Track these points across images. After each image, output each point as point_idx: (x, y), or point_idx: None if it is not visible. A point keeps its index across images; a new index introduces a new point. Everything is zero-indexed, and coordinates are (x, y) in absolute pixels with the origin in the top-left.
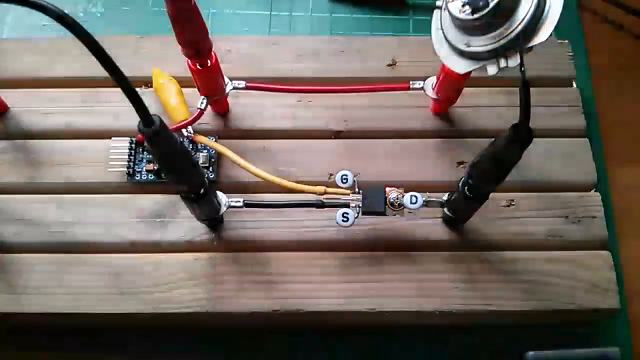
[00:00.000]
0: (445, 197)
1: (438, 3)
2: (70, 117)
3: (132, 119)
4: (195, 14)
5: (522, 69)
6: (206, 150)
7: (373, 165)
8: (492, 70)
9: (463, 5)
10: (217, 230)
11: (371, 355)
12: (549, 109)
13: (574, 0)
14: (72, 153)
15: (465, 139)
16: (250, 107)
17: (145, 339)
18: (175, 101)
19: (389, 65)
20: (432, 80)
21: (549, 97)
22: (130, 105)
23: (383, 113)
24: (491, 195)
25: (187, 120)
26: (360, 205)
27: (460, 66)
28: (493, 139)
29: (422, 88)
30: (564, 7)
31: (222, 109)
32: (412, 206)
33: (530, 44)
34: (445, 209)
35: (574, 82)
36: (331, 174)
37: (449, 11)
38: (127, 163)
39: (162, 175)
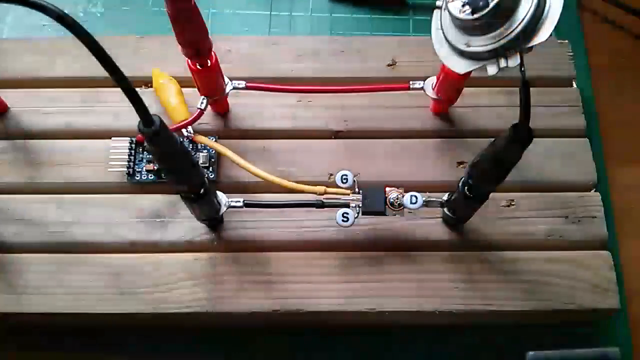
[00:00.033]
0: (445, 197)
1: (438, 3)
2: (70, 117)
3: (132, 119)
4: (195, 14)
5: (522, 69)
6: (206, 150)
7: (373, 165)
8: (492, 70)
9: (463, 5)
10: (217, 230)
11: (371, 355)
12: (549, 109)
13: (574, 0)
14: (72, 153)
15: (465, 139)
16: (250, 107)
17: (145, 339)
18: (175, 101)
19: (389, 65)
20: (432, 80)
21: (549, 97)
22: (130, 105)
23: (383, 113)
24: (491, 195)
25: (187, 120)
26: (360, 205)
27: (460, 66)
28: (493, 139)
29: (422, 88)
30: (564, 7)
31: (222, 109)
32: (412, 206)
33: (530, 44)
34: (445, 209)
35: (574, 82)
36: (331, 174)
37: (449, 11)
38: (127, 163)
39: (162, 175)
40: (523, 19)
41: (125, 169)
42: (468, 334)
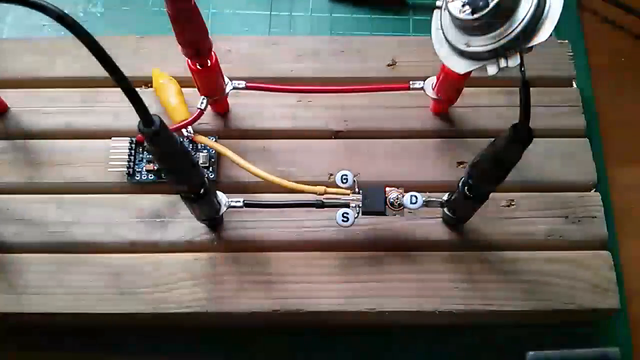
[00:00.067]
0: (445, 197)
1: (438, 3)
2: (70, 117)
3: (132, 119)
4: (195, 14)
5: (522, 69)
6: (206, 150)
7: (373, 165)
8: (492, 70)
9: (463, 5)
10: (217, 230)
11: (371, 355)
12: (549, 109)
13: (574, 0)
14: (72, 153)
15: (465, 139)
16: (250, 107)
17: (145, 339)
18: (175, 101)
19: (389, 65)
20: (432, 80)
21: (549, 97)
22: (130, 105)
23: (383, 113)
24: (491, 195)
25: (187, 120)
26: (360, 205)
27: (460, 66)
28: (493, 139)
29: (422, 88)
30: (564, 7)
31: (222, 109)
32: (412, 206)
33: (530, 44)
34: (445, 209)
35: (574, 82)
36: (331, 174)
37: (449, 11)
38: (127, 163)
39: (162, 175)
40: (523, 19)
41: (125, 169)
42: (468, 334)
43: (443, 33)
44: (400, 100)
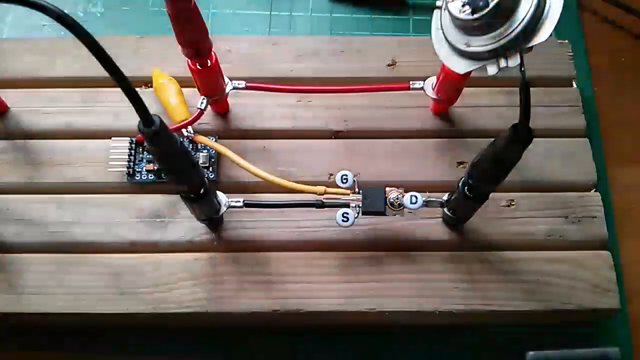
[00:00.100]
0: (445, 197)
1: (438, 3)
2: (70, 117)
3: (132, 119)
4: (195, 14)
5: (522, 69)
6: (206, 150)
7: (373, 165)
8: (492, 70)
9: (463, 5)
10: (217, 230)
11: (371, 355)
12: (549, 109)
13: (574, 0)
14: (72, 153)
15: (465, 139)
16: (250, 107)
17: (145, 339)
18: (175, 101)
19: (389, 65)
20: (432, 80)
21: (549, 97)
22: (130, 105)
23: (383, 113)
24: (491, 195)
25: (187, 120)
26: (360, 205)
27: (460, 66)
28: (493, 139)
29: (422, 88)
30: (564, 7)
31: (222, 109)
32: (412, 206)
33: (530, 44)
34: (445, 209)
35: (574, 82)
36: (331, 174)
37: (449, 11)
38: (127, 163)
39: (162, 175)
40: (523, 19)
41: (125, 169)
42: (468, 334)
43: (443, 33)
44: (400, 100)
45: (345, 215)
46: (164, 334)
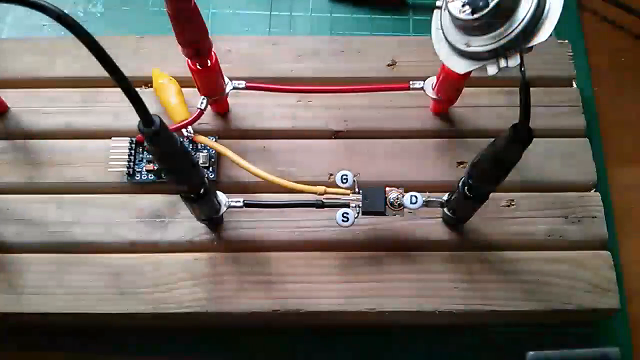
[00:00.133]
0: (445, 197)
1: (438, 3)
2: (70, 117)
3: (132, 119)
4: (195, 14)
5: (522, 69)
6: (206, 150)
7: (373, 165)
8: (492, 70)
9: (463, 5)
10: (217, 230)
11: (371, 355)
12: (549, 109)
13: (574, 0)
14: (72, 153)
15: (465, 139)
16: (250, 107)
17: (145, 339)
18: (175, 101)
19: (389, 65)
20: (432, 80)
21: (549, 97)
22: (130, 105)
23: (383, 113)
24: (491, 195)
25: (187, 120)
26: (360, 205)
27: (460, 66)
28: (493, 139)
29: (422, 88)
30: (564, 7)
31: (222, 109)
32: (412, 206)
33: (530, 44)
34: (445, 209)
35: (574, 82)
36: (331, 174)
37: (449, 11)
38: (127, 163)
39: (162, 175)
40: (523, 19)
41: (125, 169)
42: (468, 334)
43: (443, 33)
44: (400, 100)
45: (345, 215)
46: (164, 334)
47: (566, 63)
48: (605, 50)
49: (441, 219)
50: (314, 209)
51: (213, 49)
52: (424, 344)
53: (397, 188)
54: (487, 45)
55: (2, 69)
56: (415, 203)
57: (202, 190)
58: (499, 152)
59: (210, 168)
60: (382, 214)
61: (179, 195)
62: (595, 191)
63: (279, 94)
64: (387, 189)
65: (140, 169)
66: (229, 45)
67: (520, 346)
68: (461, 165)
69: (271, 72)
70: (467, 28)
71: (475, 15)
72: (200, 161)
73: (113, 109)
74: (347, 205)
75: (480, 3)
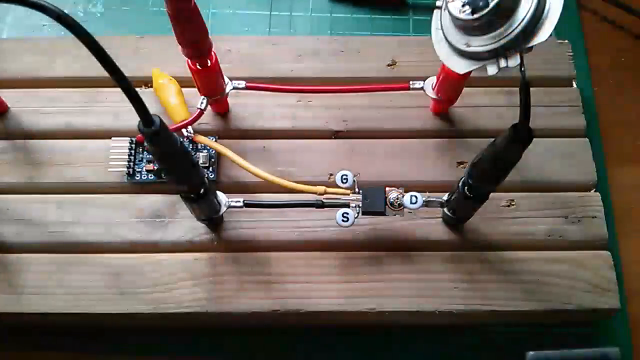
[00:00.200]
0: (445, 197)
1: (438, 3)
2: (70, 117)
3: (132, 119)
4: (195, 14)
5: (522, 69)
6: (206, 150)
7: (373, 165)
8: (492, 70)
9: (463, 5)
10: (217, 230)
11: (371, 355)
12: (549, 109)
13: (573, 0)
14: (72, 153)
15: (465, 139)
16: (250, 107)
17: (145, 339)
18: (175, 101)
19: (389, 65)
20: (432, 80)
21: (549, 97)
22: (130, 105)
23: (383, 113)
24: (491, 195)
25: (187, 120)
26: (360, 205)
27: (460, 66)
28: (493, 139)
29: (422, 88)
30: (564, 7)
31: (222, 109)
32: (412, 206)
33: (530, 44)
34: (445, 209)
35: (574, 82)
36: (331, 174)
37: (449, 11)
38: (127, 163)
39: (162, 175)
40: (523, 19)
41: (125, 169)
42: (468, 334)
43: (443, 33)
44: (400, 100)
45: (345, 215)
46: (164, 334)
47: (566, 63)
48: (605, 50)
49: (441, 219)
50: (314, 209)
51: (213, 49)
52: (424, 344)
53: (397, 188)
54: (487, 45)
55: (2, 69)
56: (415, 203)
57: (202, 190)
58: (499, 152)
59: (210, 168)
60: (382, 214)
61: (179, 195)
62: (595, 191)
63: (279, 94)
64: (387, 189)
65: (140, 169)
66: (229, 45)
67: (520, 346)
68: (461, 165)
69: (271, 72)
70: (467, 28)
71: (475, 15)
72: (200, 161)
73: (113, 109)
74: (347, 205)
75: (480, 3)
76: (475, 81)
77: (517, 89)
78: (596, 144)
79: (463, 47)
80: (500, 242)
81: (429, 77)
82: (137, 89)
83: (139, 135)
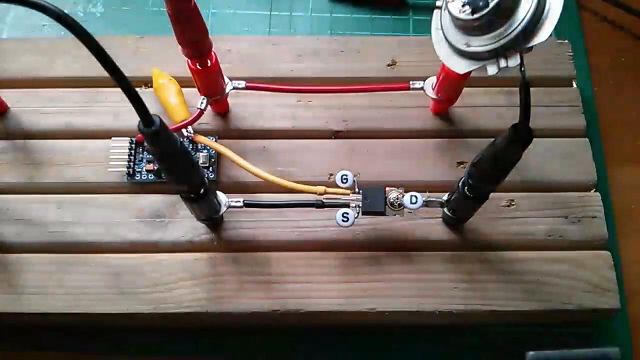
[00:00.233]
0: (445, 197)
1: (438, 3)
2: (70, 117)
3: (132, 119)
4: (195, 14)
5: (522, 69)
6: (206, 150)
7: (373, 165)
8: (492, 70)
9: (463, 5)
10: (217, 230)
11: (371, 355)
12: (549, 109)
13: (573, 0)
14: (72, 153)
15: (465, 139)
16: (250, 107)
17: (145, 339)
18: (175, 101)
19: (389, 65)
20: (432, 80)
21: (549, 97)
22: (130, 105)
23: (383, 113)
24: (491, 195)
25: (187, 120)
26: (360, 205)
27: (460, 66)
28: (493, 139)
29: (422, 88)
30: (564, 7)
31: (222, 109)
32: (412, 206)
33: (530, 44)
34: (445, 209)
35: (574, 82)
36: (331, 174)
37: (449, 11)
38: (127, 163)
39: (162, 175)
40: (523, 19)
41: (125, 169)
42: (468, 334)
43: (443, 33)
44: (400, 100)
45: (345, 215)
46: (164, 334)
47: (566, 63)
48: (605, 50)
49: (441, 219)
50: (314, 209)
51: (213, 49)
52: (424, 344)
53: (397, 188)
54: (487, 45)
55: (2, 69)
56: (415, 203)
57: (202, 190)
58: (499, 152)
59: (210, 168)
60: (382, 214)
61: (179, 195)
62: (595, 191)
63: (279, 94)
64: (387, 189)
65: (140, 169)
66: (229, 45)
67: (520, 346)
68: (461, 165)
69: (271, 72)
70: (467, 28)
71: (475, 15)
72: (200, 161)
73: (113, 109)
74: (347, 205)
75: (480, 3)
76: (475, 81)
77: (517, 89)
78: (596, 144)
79: (463, 47)
80: (500, 242)
81: (429, 77)
82: (137, 89)
83: (139, 135)
